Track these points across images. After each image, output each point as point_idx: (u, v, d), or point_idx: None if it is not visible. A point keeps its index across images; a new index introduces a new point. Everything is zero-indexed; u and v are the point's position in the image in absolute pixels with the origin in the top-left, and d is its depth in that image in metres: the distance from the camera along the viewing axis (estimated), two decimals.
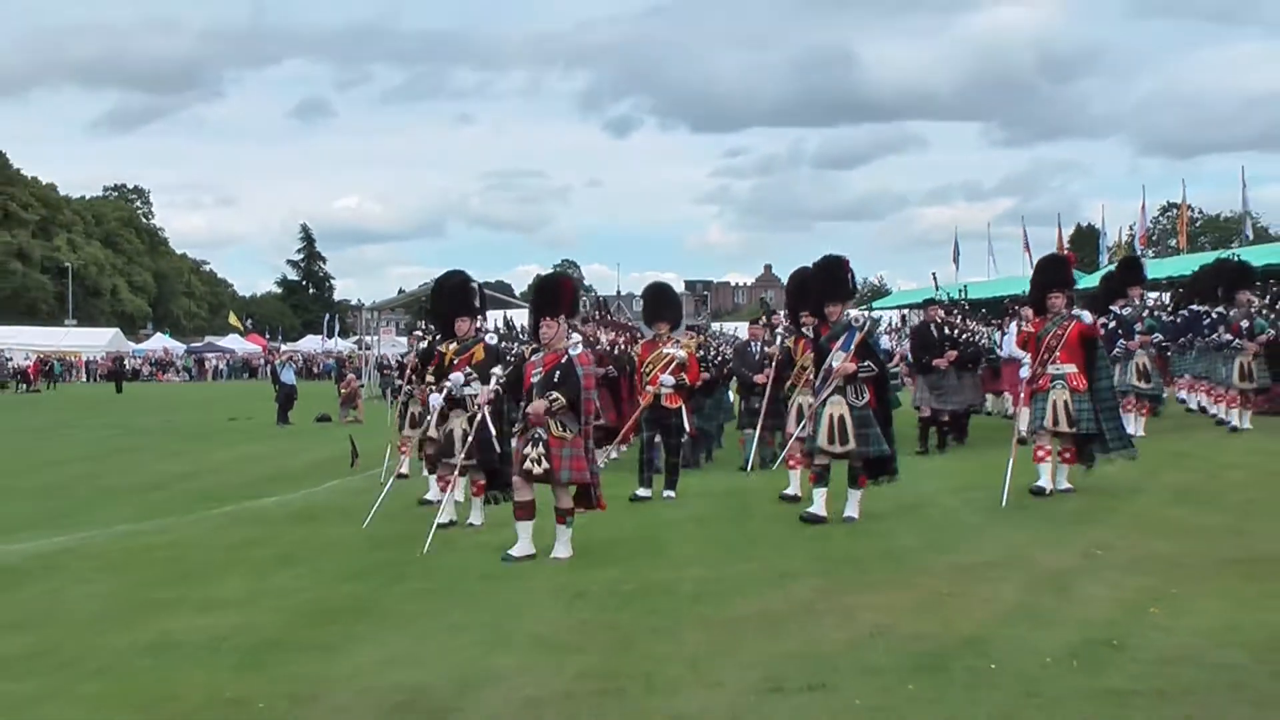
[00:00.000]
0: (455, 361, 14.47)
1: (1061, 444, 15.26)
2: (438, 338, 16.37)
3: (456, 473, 14.46)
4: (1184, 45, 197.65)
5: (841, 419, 13.95)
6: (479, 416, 13.92)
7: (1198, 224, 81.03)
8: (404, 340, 49.57)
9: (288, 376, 42.97)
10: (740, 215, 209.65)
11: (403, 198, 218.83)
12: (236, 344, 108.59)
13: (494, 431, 14.05)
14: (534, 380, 12.64)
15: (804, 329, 16.45)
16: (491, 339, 14.74)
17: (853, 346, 13.99)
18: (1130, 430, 19.99)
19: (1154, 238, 63.55)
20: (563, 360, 12.57)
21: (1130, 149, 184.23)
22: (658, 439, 17.27)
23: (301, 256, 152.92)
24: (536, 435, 12.45)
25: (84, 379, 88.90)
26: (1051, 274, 16.05)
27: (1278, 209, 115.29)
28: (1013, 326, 22.34)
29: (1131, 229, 60.07)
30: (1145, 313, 22.45)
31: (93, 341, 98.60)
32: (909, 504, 15.27)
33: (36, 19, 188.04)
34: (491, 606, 10.68)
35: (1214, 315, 22.32)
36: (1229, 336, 21.29)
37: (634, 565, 12.26)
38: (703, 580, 11.49)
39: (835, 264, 14.64)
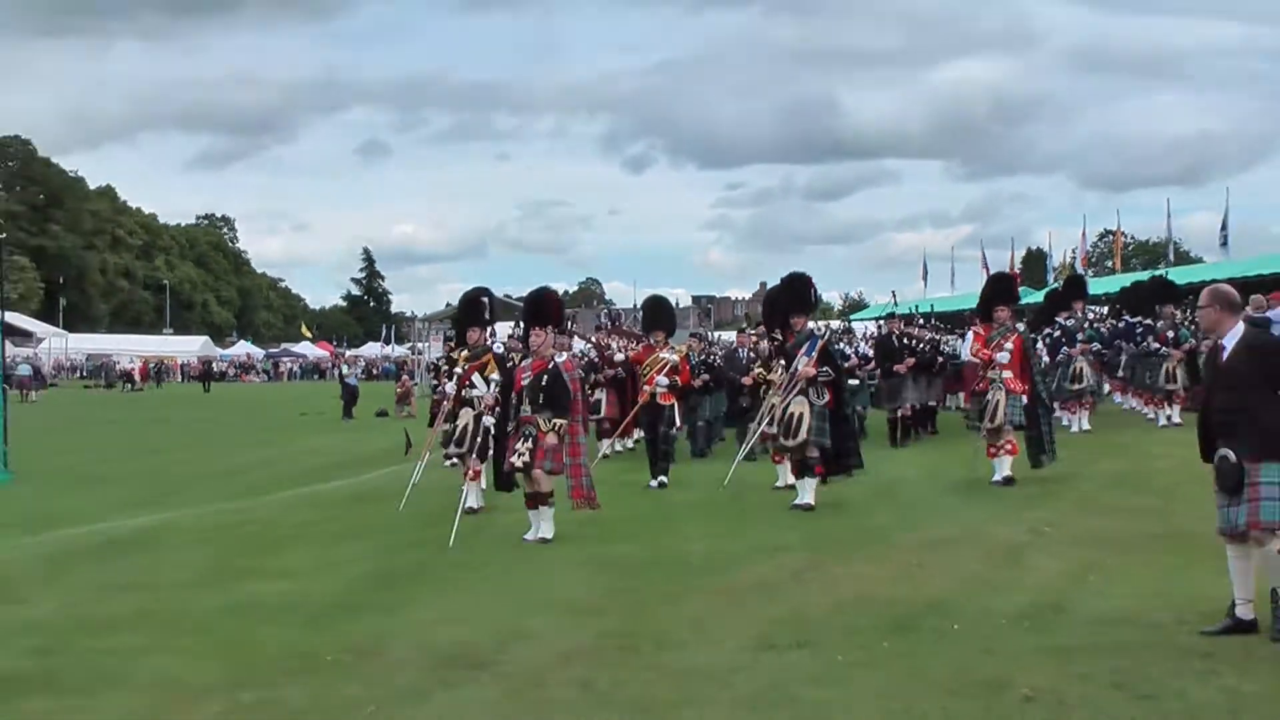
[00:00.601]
0: (466, 367, 14.05)
1: (1002, 438, 15.02)
2: (454, 345, 16.21)
3: (474, 462, 13.92)
4: (1116, 96, 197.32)
5: (801, 415, 13.70)
6: (483, 415, 13.54)
7: (1130, 248, 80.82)
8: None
9: (351, 378, 42.95)
10: (739, 239, 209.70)
11: (450, 224, 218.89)
12: (307, 350, 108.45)
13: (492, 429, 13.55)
14: (524, 383, 12.42)
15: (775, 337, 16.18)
16: (499, 348, 14.49)
17: (814, 353, 13.84)
18: (1077, 427, 20.89)
19: (1093, 259, 63.14)
20: (549, 366, 12.35)
21: (1072, 183, 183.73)
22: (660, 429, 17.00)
23: (363, 275, 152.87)
24: (528, 432, 12.24)
25: (179, 380, 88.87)
26: (999, 290, 16.16)
27: (1198, 235, 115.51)
28: (969, 335, 22.38)
29: (1074, 252, 59.92)
30: (1086, 324, 22.65)
31: (186, 348, 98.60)
32: (884, 487, 15.28)
33: (146, 75, 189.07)
34: (526, 574, 10.68)
35: (1144, 326, 22.36)
36: (1157, 345, 21.18)
37: (648, 540, 12.25)
38: (706, 554, 11.48)
39: (799, 281, 14.54)
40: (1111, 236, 70.04)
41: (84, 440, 29.76)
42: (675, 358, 17.32)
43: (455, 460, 15.14)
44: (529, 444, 12.17)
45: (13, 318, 66.18)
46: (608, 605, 9.37)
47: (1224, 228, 44.64)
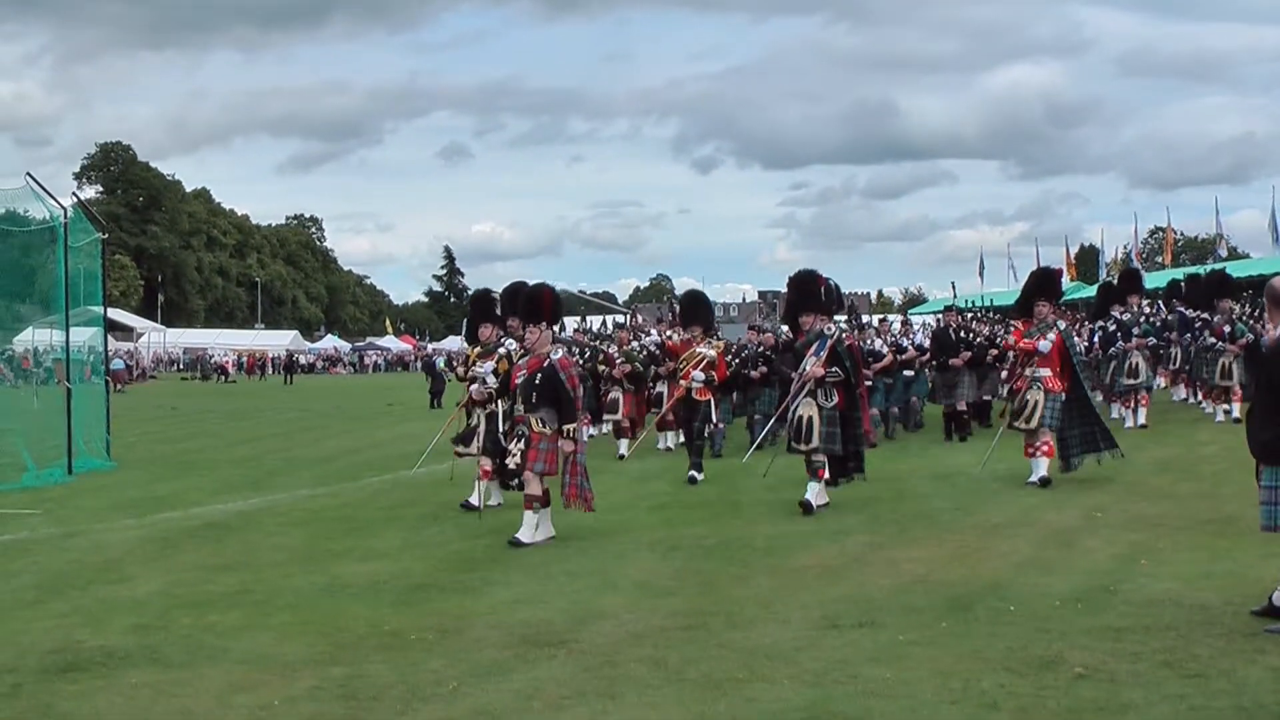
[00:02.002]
0: (476, 362, 13.84)
1: (1039, 439, 14.02)
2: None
3: (485, 461, 13.61)
4: (1164, 99, 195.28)
5: (810, 419, 12.78)
6: (489, 412, 13.43)
7: (1180, 244, 79.99)
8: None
9: (438, 369, 43.01)
10: (803, 237, 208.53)
11: (527, 223, 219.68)
12: (391, 343, 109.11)
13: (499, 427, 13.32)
14: (519, 382, 11.74)
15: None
16: (510, 344, 13.67)
17: (823, 353, 12.80)
18: (1133, 422, 19.98)
19: (1145, 255, 62.61)
20: (544, 365, 11.57)
21: (1123, 183, 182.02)
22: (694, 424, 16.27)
23: (445, 272, 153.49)
24: (521, 431, 11.64)
25: (271, 373, 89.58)
26: (1041, 284, 14.93)
27: (1245, 232, 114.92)
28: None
29: (1126, 248, 59.48)
30: (1142, 318, 21.66)
31: (277, 342, 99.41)
32: (941, 475, 15.22)
33: (240, 84, 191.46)
34: (600, 556, 10.73)
35: (1201, 320, 21.54)
36: (1213, 340, 20.40)
37: (716, 524, 12.27)
38: (771, 536, 11.48)
39: (808, 278, 13.45)
40: (1162, 233, 69.44)
41: (182, 430, 30.06)
42: (713, 353, 16.44)
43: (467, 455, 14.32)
44: (521, 444, 11.58)
45: (114, 314, 67.12)
46: (677, 586, 9.40)
47: (1275, 224, 44.14)
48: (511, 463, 11.70)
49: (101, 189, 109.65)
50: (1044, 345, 14.21)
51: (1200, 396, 21.77)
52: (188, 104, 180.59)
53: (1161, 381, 24.45)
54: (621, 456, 19.30)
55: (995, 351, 21.16)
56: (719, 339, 18.73)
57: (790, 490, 13.56)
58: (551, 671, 7.07)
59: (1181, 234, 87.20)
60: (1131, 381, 20.37)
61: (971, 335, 21.73)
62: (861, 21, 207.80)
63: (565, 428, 11.39)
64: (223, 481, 17.55)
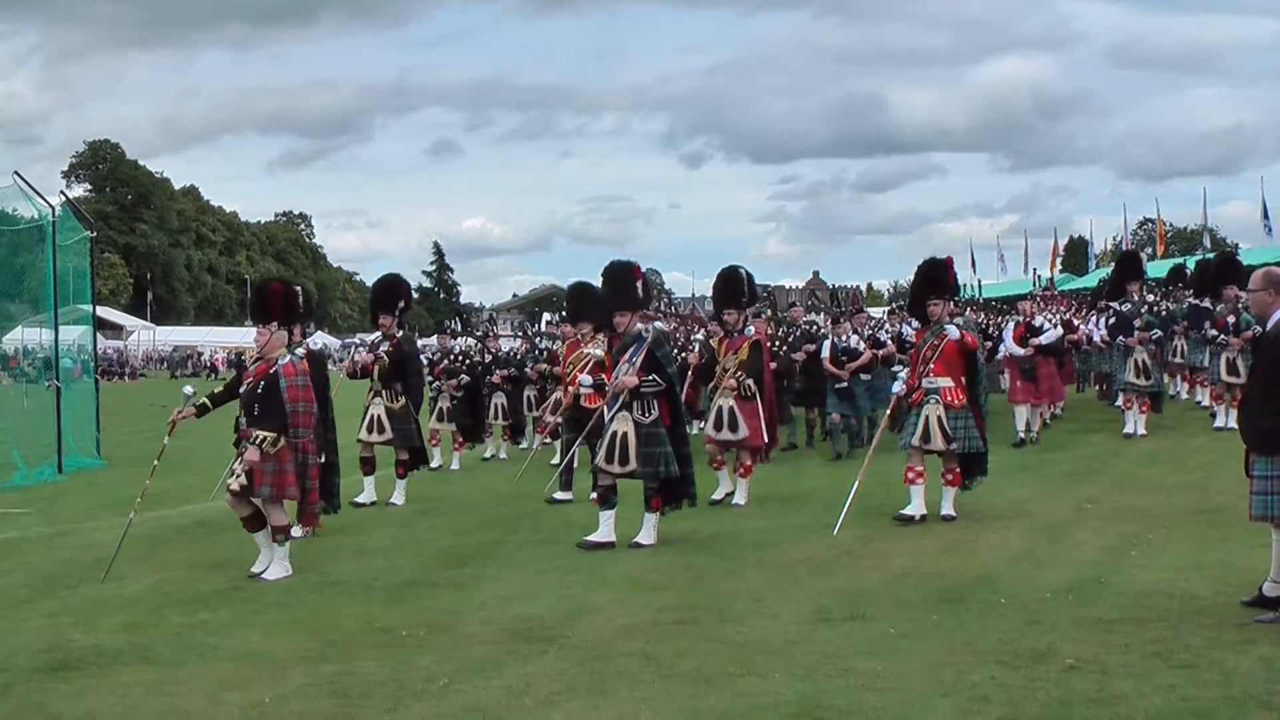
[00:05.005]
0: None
1: (944, 464, 11.77)
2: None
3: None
4: (1152, 91, 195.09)
5: (625, 437, 10.92)
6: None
7: (1168, 235, 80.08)
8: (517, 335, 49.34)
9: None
10: (793, 231, 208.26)
11: (517, 219, 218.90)
12: None
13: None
14: (242, 390, 10.35)
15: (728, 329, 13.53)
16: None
17: (638, 359, 10.95)
18: (1129, 429, 17.65)
19: (1136, 247, 62.72)
20: (270, 371, 10.10)
21: (1112, 174, 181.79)
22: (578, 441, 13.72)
23: (434, 268, 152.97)
24: (244, 449, 10.10)
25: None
26: (930, 279, 12.23)
27: (1233, 223, 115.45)
28: (1009, 325, 19.77)
29: (1115, 239, 59.50)
30: (1144, 308, 18.63)
31: None
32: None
33: (229, 82, 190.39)
34: (590, 553, 10.70)
35: (1207, 310, 19.01)
36: (1215, 332, 17.96)
37: (705, 519, 12.24)
38: (762, 530, 11.49)
39: (623, 271, 11.47)
40: (1151, 224, 69.48)
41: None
42: (601, 353, 13.79)
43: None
44: (245, 465, 10.02)
45: (104, 312, 66.95)
46: (668, 581, 9.40)
47: (1265, 215, 44.17)
48: (236, 485, 10.05)
49: (90, 187, 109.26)
50: (952, 331, 11.82)
51: (1209, 399, 19.35)
52: (177, 102, 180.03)
53: (1164, 379, 22.39)
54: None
55: (990, 344, 20.01)
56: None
57: (776, 483, 13.57)
58: (543, 667, 7.06)
59: (1171, 225, 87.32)
60: (1140, 383, 17.78)
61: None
62: (850, 15, 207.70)
63: (262, 435, 9.93)
64: (213, 479, 17.49)
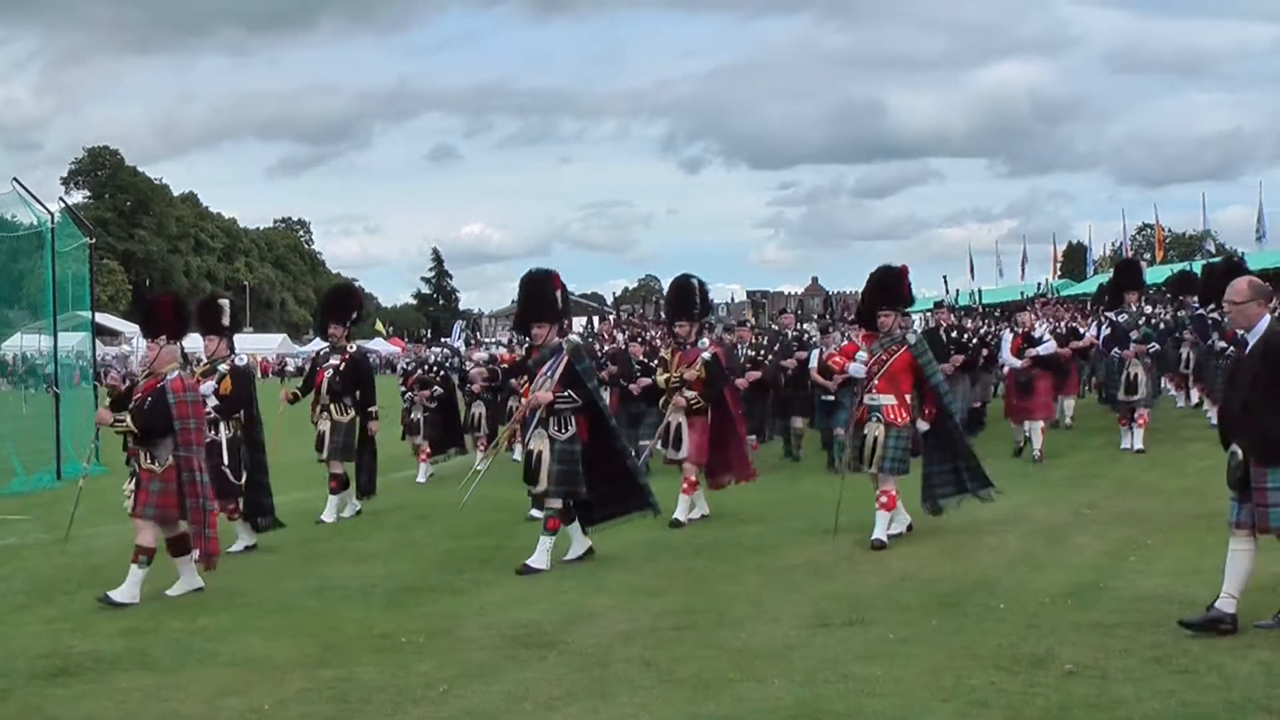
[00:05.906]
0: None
1: (879, 486, 11.04)
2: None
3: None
4: (1151, 96, 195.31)
5: (540, 455, 10.38)
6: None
7: (1167, 241, 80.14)
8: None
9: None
10: (792, 236, 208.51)
11: (516, 224, 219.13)
12: (380, 346, 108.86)
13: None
14: (130, 407, 9.71)
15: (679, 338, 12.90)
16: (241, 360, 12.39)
17: (556, 374, 10.40)
18: (1127, 444, 16.95)
19: (1134, 253, 62.70)
20: (158, 386, 9.61)
21: (1110, 179, 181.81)
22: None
23: (433, 274, 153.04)
24: (133, 469, 9.71)
25: (260, 376, 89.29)
26: (883, 288, 11.53)
27: (1232, 228, 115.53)
28: (1006, 334, 18.81)
29: (1114, 245, 59.50)
30: (1141, 320, 17.79)
31: (266, 345, 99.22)
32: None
33: (228, 87, 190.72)
34: (582, 561, 10.67)
35: (1212, 319, 18.04)
36: (1223, 344, 16.76)
37: (703, 523, 12.27)
38: (760, 535, 11.49)
39: (541, 279, 10.91)
40: (1150, 230, 69.47)
41: None
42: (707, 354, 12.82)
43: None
44: (132, 484, 9.67)
45: (103, 318, 66.92)
46: (666, 586, 9.40)
47: (1260, 221, 44.17)
48: (126, 505, 9.73)
49: (89, 194, 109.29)
50: (854, 368, 11.43)
51: (1210, 405, 18.32)
52: (176, 108, 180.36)
53: (1171, 388, 21.92)
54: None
55: (987, 351, 19.46)
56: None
57: (775, 488, 13.56)
58: (542, 672, 7.06)
59: (1170, 230, 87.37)
60: (1129, 398, 17.01)
61: (965, 335, 19.86)
62: (849, 20, 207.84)
63: (151, 454, 9.57)
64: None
